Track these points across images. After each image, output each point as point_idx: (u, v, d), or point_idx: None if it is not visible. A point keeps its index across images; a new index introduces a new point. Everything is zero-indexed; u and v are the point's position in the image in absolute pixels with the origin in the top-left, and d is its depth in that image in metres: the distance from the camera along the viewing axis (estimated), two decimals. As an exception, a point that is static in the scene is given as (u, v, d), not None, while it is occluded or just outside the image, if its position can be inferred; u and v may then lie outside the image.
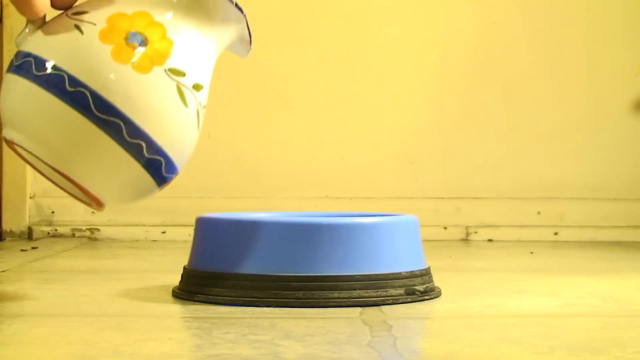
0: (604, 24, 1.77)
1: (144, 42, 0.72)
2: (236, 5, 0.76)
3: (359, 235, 0.81)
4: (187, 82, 0.73)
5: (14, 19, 1.61)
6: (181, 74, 0.73)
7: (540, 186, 1.76)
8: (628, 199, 1.76)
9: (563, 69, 1.77)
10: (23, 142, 0.72)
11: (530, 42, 1.77)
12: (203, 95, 0.76)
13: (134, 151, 0.71)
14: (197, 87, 0.75)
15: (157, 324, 0.73)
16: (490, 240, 1.71)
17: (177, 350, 0.61)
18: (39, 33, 0.73)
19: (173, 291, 0.86)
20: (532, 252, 1.44)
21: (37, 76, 0.71)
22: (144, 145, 0.71)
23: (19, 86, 0.72)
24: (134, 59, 0.71)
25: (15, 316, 0.75)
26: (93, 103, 0.70)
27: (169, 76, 0.72)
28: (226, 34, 0.78)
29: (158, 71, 0.72)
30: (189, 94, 0.74)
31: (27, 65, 0.71)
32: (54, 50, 0.71)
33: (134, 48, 0.72)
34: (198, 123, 0.75)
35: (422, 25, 1.77)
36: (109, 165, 0.72)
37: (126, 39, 0.72)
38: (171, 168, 0.74)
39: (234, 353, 0.59)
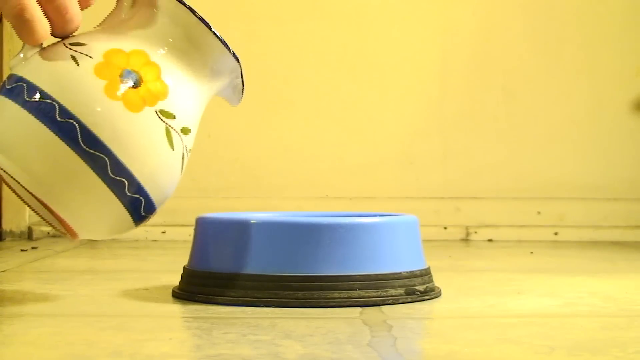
0: (604, 24, 1.77)
1: (137, 81, 0.72)
2: (233, 54, 0.76)
3: (359, 235, 0.81)
4: (176, 125, 0.73)
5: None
6: (171, 116, 0.73)
7: (540, 186, 1.76)
8: (628, 199, 1.76)
9: (563, 69, 1.77)
10: (5, 166, 0.72)
11: (530, 42, 1.77)
12: (190, 140, 0.76)
13: (116, 188, 0.71)
14: (185, 130, 0.74)
15: (157, 324, 0.73)
16: (490, 240, 1.71)
17: (177, 350, 0.61)
18: (35, 59, 0.73)
19: (173, 291, 0.86)
20: (532, 252, 1.44)
21: (27, 102, 0.70)
22: (126, 183, 0.71)
23: (8, 110, 0.71)
24: (126, 97, 0.71)
25: (15, 316, 0.75)
26: (81, 136, 0.69)
27: (159, 117, 0.72)
28: (219, 80, 0.78)
29: (149, 111, 0.72)
30: (176, 137, 0.73)
31: (18, 90, 0.71)
32: (48, 78, 0.71)
33: (127, 86, 0.71)
34: (182, 166, 0.75)
35: (422, 25, 1.77)
36: (89, 200, 0.72)
37: (121, 75, 0.72)
38: (150, 208, 0.74)
39: (234, 353, 0.59)
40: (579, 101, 1.77)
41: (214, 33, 0.75)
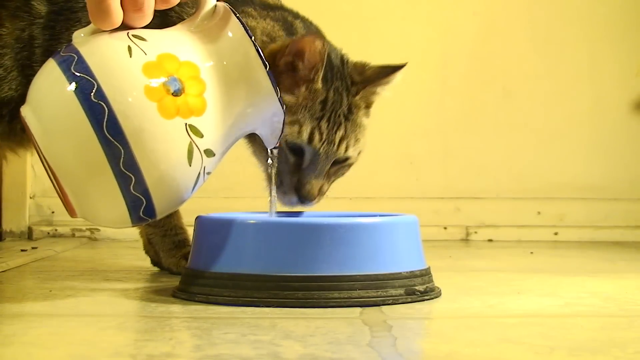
0: (604, 24, 1.77)
1: (179, 91, 0.73)
2: (279, 99, 0.77)
3: (359, 235, 0.81)
4: (201, 144, 0.74)
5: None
6: (199, 134, 0.74)
7: (540, 186, 1.76)
8: (628, 199, 1.76)
9: (563, 69, 1.77)
10: (31, 124, 0.74)
11: (531, 42, 1.77)
12: (211, 163, 0.76)
13: (123, 182, 0.72)
14: (208, 152, 0.75)
15: (157, 324, 0.73)
16: (490, 240, 1.71)
17: (177, 350, 0.61)
18: (96, 38, 0.74)
19: (173, 291, 0.86)
20: (532, 252, 1.44)
21: (72, 74, 0.72)
22: (133, 180, 0.72)
23: (54, 74, 0.73)
24: (162, 102, 0.72)
25: (15, 316, 0.75)
26: (107, 121, 0.71)
27: (187, 131, 0.73)
28: (259, 117, 0.79)
29: (178, 122, 0.73)
30: (197, 155, 0.74)
31: (69, 60, 0.73)
32: (98, 59, 0.73)
33: (167, 91, 0.72)
34: (194, 185, 0.76)
35: (423, 25, 1.77)
36: (94, 184, 0.73)
37: (165, 80, 0.73)
38: (150, 212, 0.75)
39: (234, 353, 0.59)
40: (579, 101, 1.77)
41: (268, 73, 0.76)
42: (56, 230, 1.66)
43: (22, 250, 1.36)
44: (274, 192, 0.91)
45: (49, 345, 0.63)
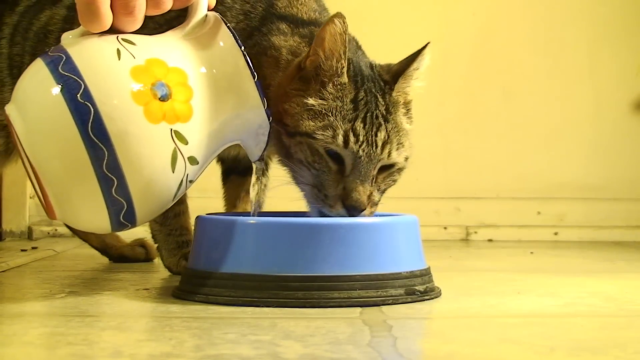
0: (604, 24, 1.77)
1: (166, 96, 0.73)
2: (266, 110, 0.77)
3: (359, 235, 0.81)
4: (185, 151, 0.74)
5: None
6: (184, 140, 0.74)
7: (540, 186, 1.76)
8: (628, 199, 1.76)
9: (563, 69, 1.77)
10: (16, 123, 0.73)
11: (531, 42, 1.77)
12: (194, 171, 0.76)
13: (105, 184, 0.72)
14: (192, 160, 0.75)
15: (157, 324, 0.73)
16: (490, 240, 1.71)
17: (177, 350, 0.61)
18: (85, 39, 0.75)
19: (173, 291, 0.86)
20: (532, 252, 1.44)
21: (60, 74, 0.72)
22: (116, 183, 0.72)
23: (41, 73, 0.73)
24: (148, 106, 0.72)
25: (15, 316, 0.75)
26: (92, 122, 0.71)
27: (172, 137, 0.73)
28: (244, 128, 0.79)
29: (164, 127, 0.73)
30: (181, 162, 0.74)
31: (57, 60, 0.73)
32: (86, 60, 0.73)
33: (154, 96, 0.72)
34: (176, 192, 0.76)
35: (423, 25, 1.76)
36: (76, 186, 0.73)
37: (153, 85, 0.73)
38: (130, 217, 0.75)
39: (234, 353, 0.59)
40: (579, 101, 1.77)
41: (256, 84, 0.76)
42: (56, 230, 1.66)
43: (22, 250, 1.36)
44: (254, 201, 0.89)
45: (49, 345, 0.63)
